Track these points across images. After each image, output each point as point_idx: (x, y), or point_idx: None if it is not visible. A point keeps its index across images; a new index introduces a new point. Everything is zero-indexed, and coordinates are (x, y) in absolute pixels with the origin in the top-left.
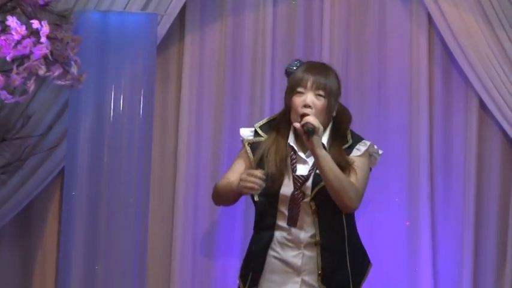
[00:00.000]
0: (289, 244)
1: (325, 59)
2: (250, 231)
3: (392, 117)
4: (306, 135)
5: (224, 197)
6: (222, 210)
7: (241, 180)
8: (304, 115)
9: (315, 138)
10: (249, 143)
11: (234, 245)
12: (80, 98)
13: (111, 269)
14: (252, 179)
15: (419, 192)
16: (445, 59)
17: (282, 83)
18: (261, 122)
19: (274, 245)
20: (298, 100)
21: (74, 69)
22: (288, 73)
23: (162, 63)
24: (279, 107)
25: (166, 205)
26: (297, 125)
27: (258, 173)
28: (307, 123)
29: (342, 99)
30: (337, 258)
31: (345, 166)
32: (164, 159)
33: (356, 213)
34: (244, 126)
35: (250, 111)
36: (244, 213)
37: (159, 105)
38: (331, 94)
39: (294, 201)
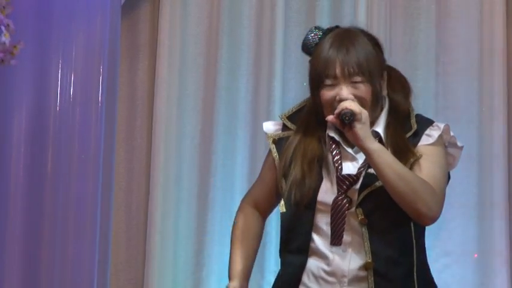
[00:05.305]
0: (328, 279)
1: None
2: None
3: (455, 104)
4: (342, 125)
5: None
6: (213, 237)
7: None
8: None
9: (357, 127)
10: (274, 140)
11: None
12: (13, 78)
13: None
14: None
15: (493, 212)
16: None
17: (298, 54)
18: (288, 111)
19: (308, 279)
20: (328, 94)
21: (4, 38)
22: (307, 49)
23: (130, 28)
24: (294, 89)
25: (135, 233)
26: (330, 117)
27: None
28: (342, 110)
29: None
30: None
31: (408, 161)
32: (132, 165)
33: None
34: (245, 117)
35: (253, 95)
36: None
37: (125, 88)
38: (372, 75)
39: (337, 210)
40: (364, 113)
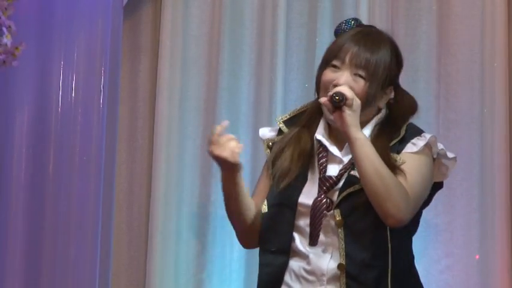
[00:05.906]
0: (309, 278)
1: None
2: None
3: (456, 105)
4: (333, 108)
5: (234, 212)
6: (215, 238)
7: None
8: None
9: (347, 112)
10: (268, 145)
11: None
12: (15, 79)
13: None
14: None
15: (494, 213)
16: None
17: (300, 55)
18: (287, 115)
19: (290, 278)
20: (329, 75)
21: (6, 39)
22: (336, 32)
23: (131, 29)
24: (295, 90)
25: (137, 234)
26: (323, 99)
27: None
28: (335, 92)
29: None
30: None
31: (388, 167)
32: (134, 166)
33: None
34: (247, 118)
35: (255, 97)
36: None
37: (127, 89)
38: (374, 76)
39: (316, 211)
40: (356, 101)
